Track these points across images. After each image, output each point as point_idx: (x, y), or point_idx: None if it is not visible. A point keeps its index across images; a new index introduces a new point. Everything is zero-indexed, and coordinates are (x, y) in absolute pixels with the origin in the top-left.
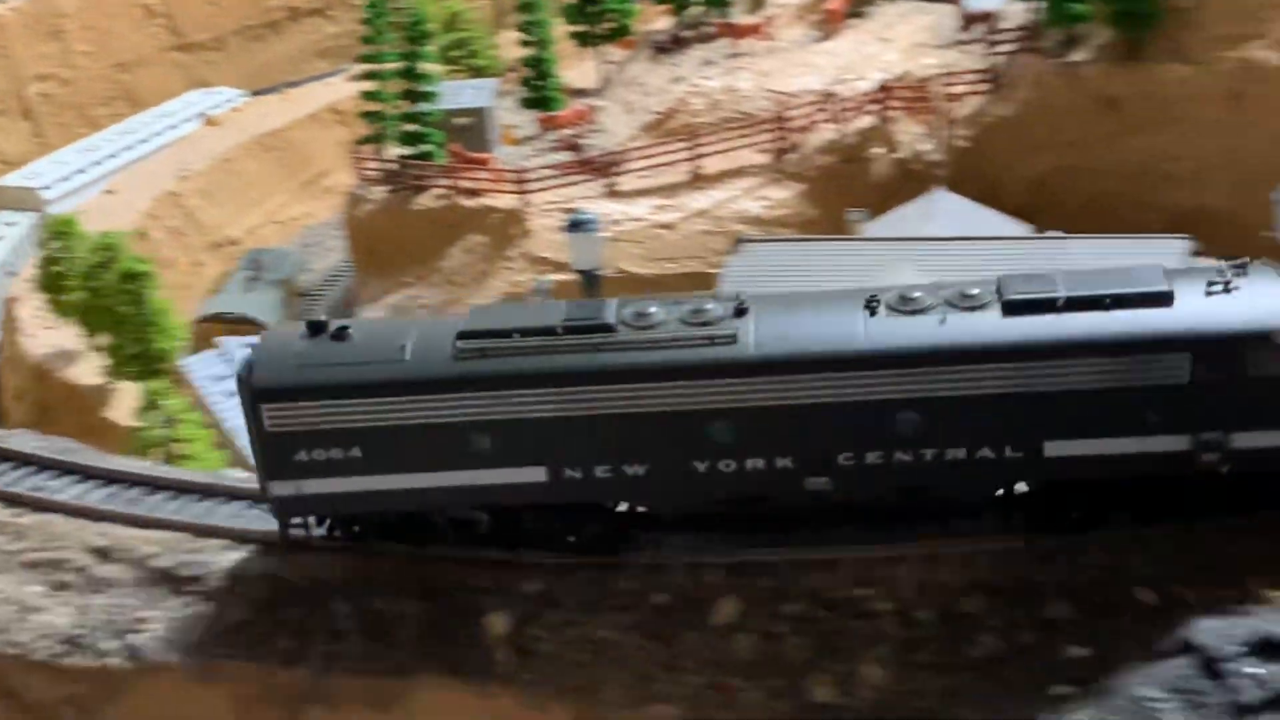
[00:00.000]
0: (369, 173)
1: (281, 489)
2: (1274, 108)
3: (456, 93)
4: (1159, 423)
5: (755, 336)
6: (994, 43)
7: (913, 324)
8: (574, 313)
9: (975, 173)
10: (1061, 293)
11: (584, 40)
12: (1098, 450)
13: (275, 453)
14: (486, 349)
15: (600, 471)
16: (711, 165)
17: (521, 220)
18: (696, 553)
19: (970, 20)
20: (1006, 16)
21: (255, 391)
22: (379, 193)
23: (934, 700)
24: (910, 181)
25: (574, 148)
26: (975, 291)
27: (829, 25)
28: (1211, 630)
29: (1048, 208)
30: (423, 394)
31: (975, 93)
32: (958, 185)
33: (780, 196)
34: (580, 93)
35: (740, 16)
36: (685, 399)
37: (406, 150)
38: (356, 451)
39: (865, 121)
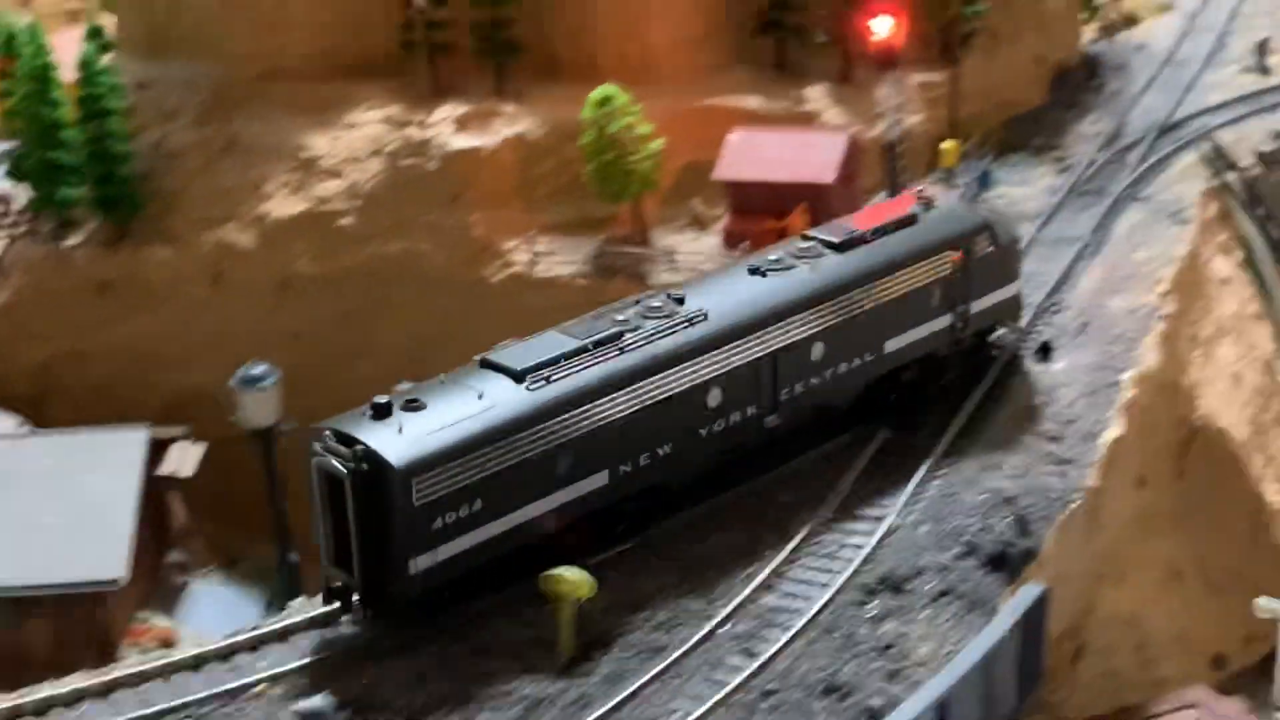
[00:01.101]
0: None
1: (425, 561)
2: (249, 288)
3: None
4: (938, 307)
5: (711, 313)
6: None
7: (799, 276)
8: (587, 331)
9: None
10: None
11: None
12: (912, 338)
13: (421, 526)
14: (550, 376)
15: (644, 459)
16: None
17: None
18: None
19: None
20: (12, 199)
21: (404, 469)
22: None
23: None
24: None
25: None
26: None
27: None
28: None
29: (54, 395)
30: (525, 428)
31: None
32: None
33: None
34: None
35: None
36: (689, 375)
37: None
38: (478, 503)
39: None
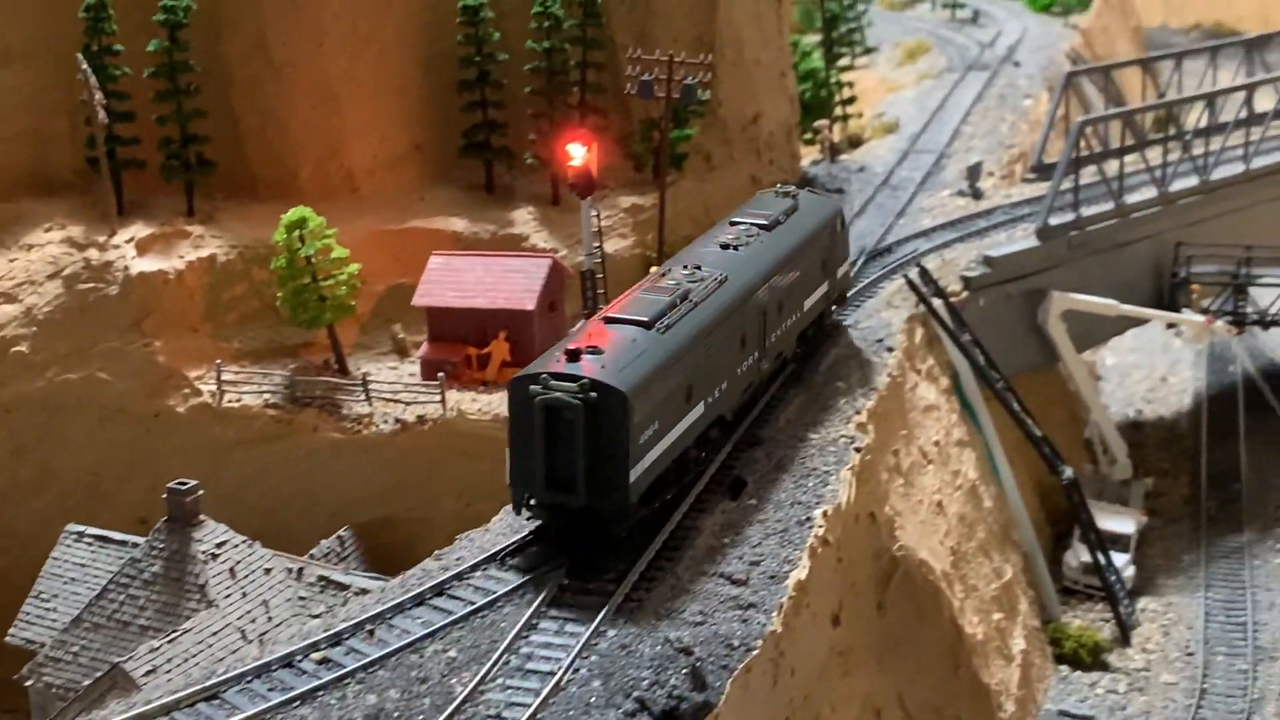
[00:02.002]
0: None
1: (637, 471)
2: None
3: None
4: (821, 275)
5: (730, 275)
6: None
7: (759, 249)
8: (666, 291)
9: None
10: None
11: None
12: (814, 298)
13: (634, 441)
14: (669, 324)
15: (716, 393)
16: None
17: None
18: None
19: None
20: None
21: (628, 393)
22: None
23: None
24: None
25: None
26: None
27: None
28: None
29: None
30: (672, 363)
31: None
32: None
33: None
34: None
35: None
36: (734, 323)
37: None
38: (656, 424)
39: None
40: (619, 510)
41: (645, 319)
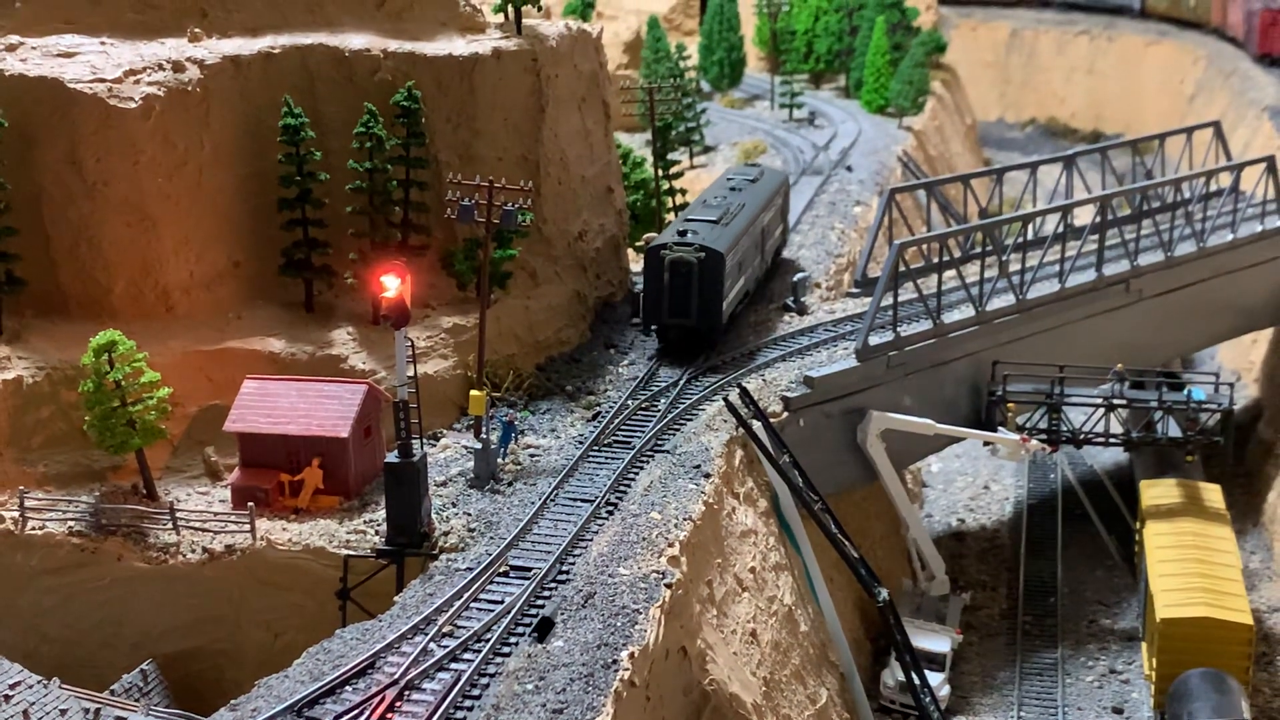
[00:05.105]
0: None
1: (725, 304)
2: None
3: None
4: (782, 215)
5: (745, 204)
6: None
7: (752, 191)
8: (718, 203)
9: None
10: (740, 181)
11: None
12: (778, 230)
13: (725, 284)
14: (726, 222)
15: (749, 271)
16: None
17: None
18: None
19: None
20: None
21: (724, 252)
22: None
23: None
24: None
25: None
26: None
27: None
28: None
29: None
30: (732, 247)
31: None
32: None
33: None
34: None
35: None
36: (754, 233)
37: None
38: (730, 279)
39: None
40: (715, 327)
41: (714, 218)
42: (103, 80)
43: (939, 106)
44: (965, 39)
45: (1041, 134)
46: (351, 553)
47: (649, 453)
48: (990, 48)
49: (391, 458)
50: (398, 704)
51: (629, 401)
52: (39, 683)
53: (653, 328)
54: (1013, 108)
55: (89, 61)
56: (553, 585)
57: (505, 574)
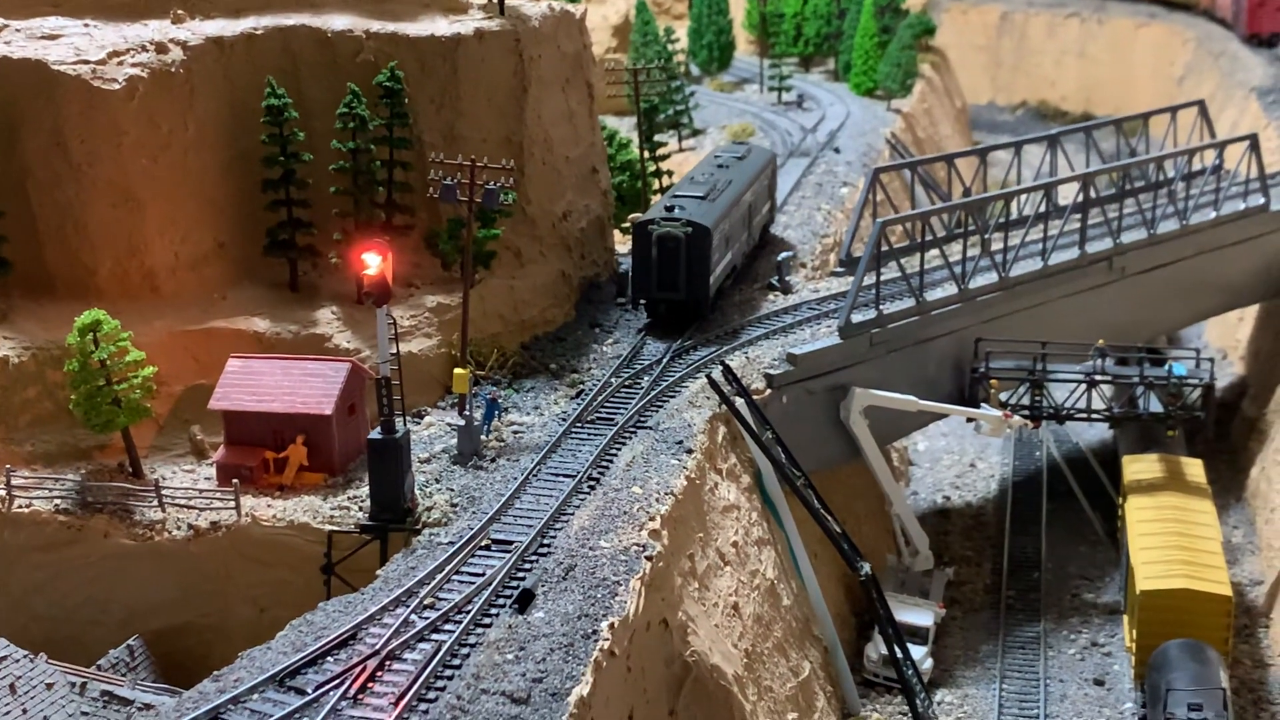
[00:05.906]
0: None
1: (712, 278)
2: None
3: None
4: (763, 199)
5: (732, 181)
6: None
7: (739, 169)
8: (708, 179)
9: None
10: (727, 159)
11: None
12: (765, 207)
13: (712, 259)
14: (713, 198)
15: (734, 250)
16: None
17: None
18: None
19: None
20: None
21: (711, 227)
22: None
23: None
24: None
25: None
26: (732, 155)
27: None
28: None
29: None
30: (720, 220)
31: None
32: None
33: None
34: None
35: None
36: (747, 199)
37: None
38: (717, 253)
39: None
40: (703, 300)
41: (702, 194)
42: (86, 62)
43: (928, 89)
44: (956, 22)
45: (1032, 117)
46: (336, 528)
47: (632, 429)
48: (981, 31)
49: (375, 434)
50: (379, 673)
51: (612, 379)
52: (25, 657)
53: (641, 302)
54: (1004, 91)
55: (73, 43)
56: (534, 558)
57: (487, 547)
